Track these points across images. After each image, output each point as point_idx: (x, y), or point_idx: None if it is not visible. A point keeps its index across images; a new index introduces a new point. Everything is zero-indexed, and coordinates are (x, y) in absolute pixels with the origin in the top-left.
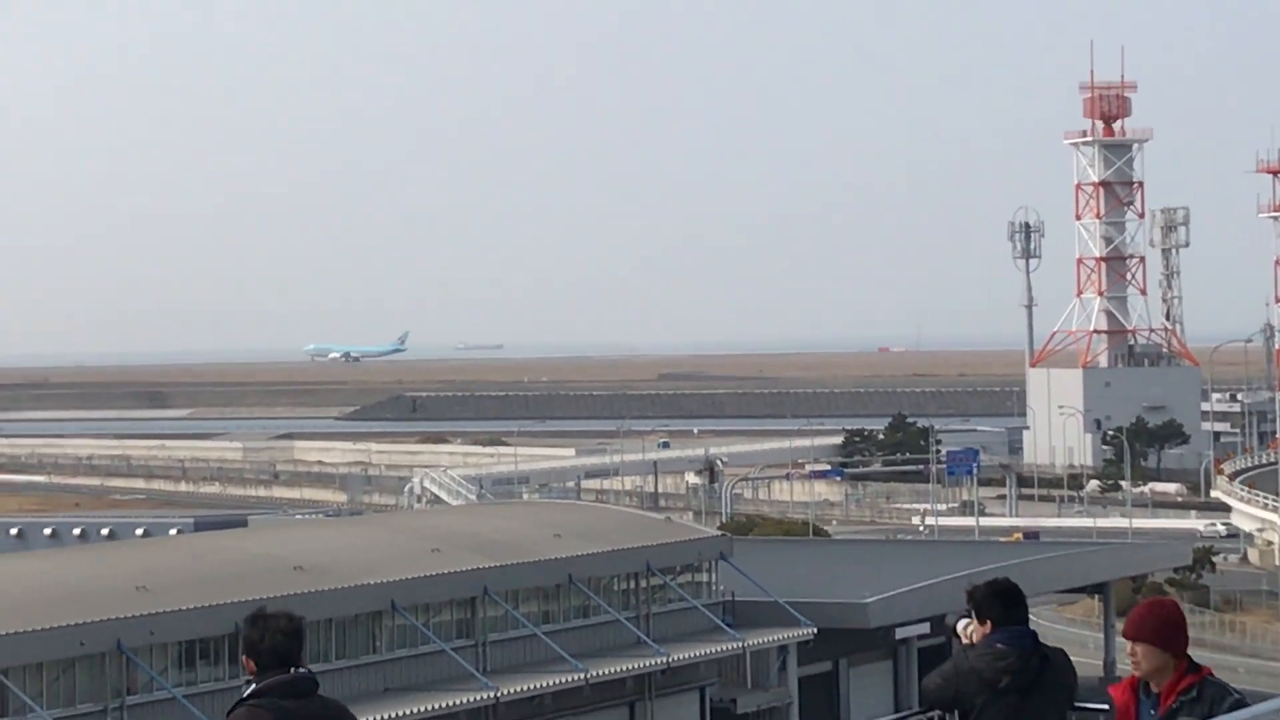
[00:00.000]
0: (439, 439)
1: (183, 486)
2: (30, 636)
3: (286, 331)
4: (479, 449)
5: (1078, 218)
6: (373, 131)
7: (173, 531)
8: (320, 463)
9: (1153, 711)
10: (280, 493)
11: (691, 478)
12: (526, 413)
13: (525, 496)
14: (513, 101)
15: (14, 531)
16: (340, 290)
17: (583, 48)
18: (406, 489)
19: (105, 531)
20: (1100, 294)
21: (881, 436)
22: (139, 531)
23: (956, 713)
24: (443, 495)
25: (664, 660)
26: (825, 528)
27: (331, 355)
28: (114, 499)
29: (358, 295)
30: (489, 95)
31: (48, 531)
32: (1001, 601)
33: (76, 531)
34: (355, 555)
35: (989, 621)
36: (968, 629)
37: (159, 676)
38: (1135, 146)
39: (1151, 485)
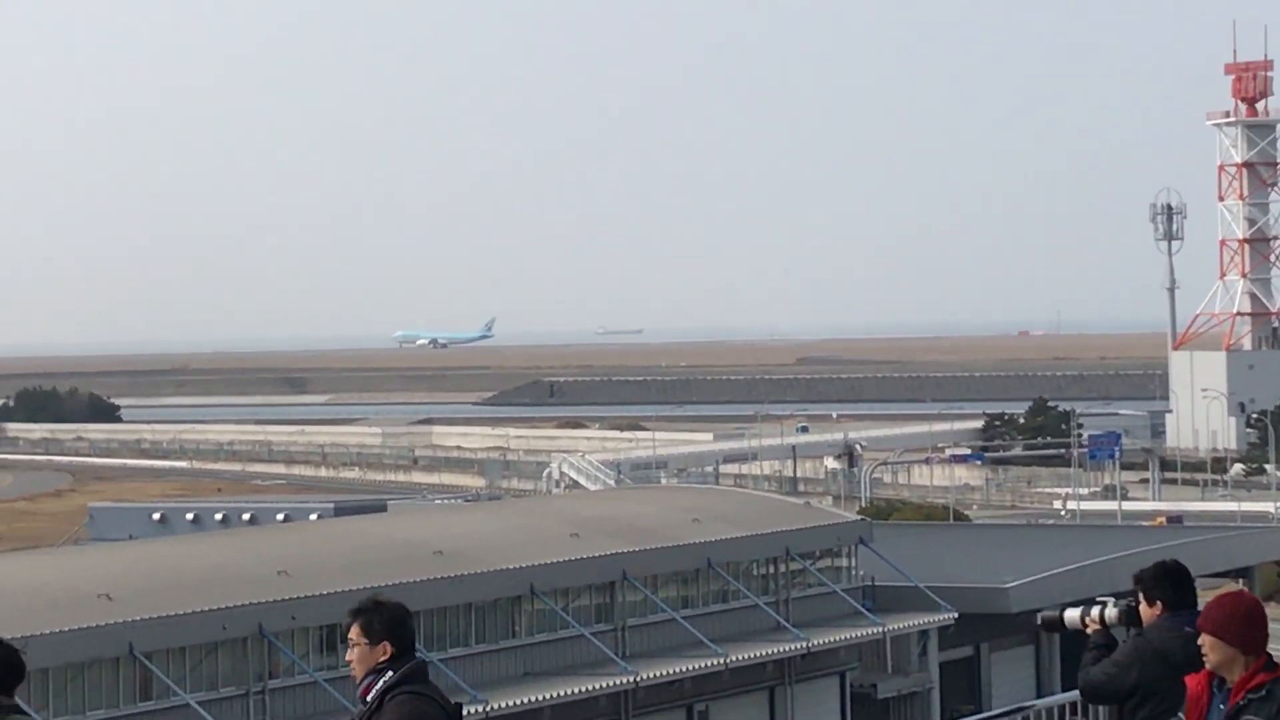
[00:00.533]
0: (577, 424)
1: (323, 472)
2: (173, 620)
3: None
4: (617, 434)
5: (1220, 199)
6: (525, 127)
7: (313, 516)
8: (459, 448)
9: (1222, 706)
10: (419, 478)
11: (830, 462)
12: (664, 397)
13: (663, 481)
14: (657, 91)
15: (157, 517)
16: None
17: (732, 38)
18: (545, 474)
19: (246, 516)
20: (1244, 276)
21: (1022, 420)
22: (280, 516)
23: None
24: (581, 480)
25: (804, 645)
26: (965, 512)
27: (419, 341)
28: (255, 484)
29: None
30: (633, 88)
31: (190, 517)
32: (1172, 583)
33: (218, 517)
34: (494, 540)
35: (1159, 603)
36: (1096, 614)
37: (300, 660)
38: (1279, 127)
39: None
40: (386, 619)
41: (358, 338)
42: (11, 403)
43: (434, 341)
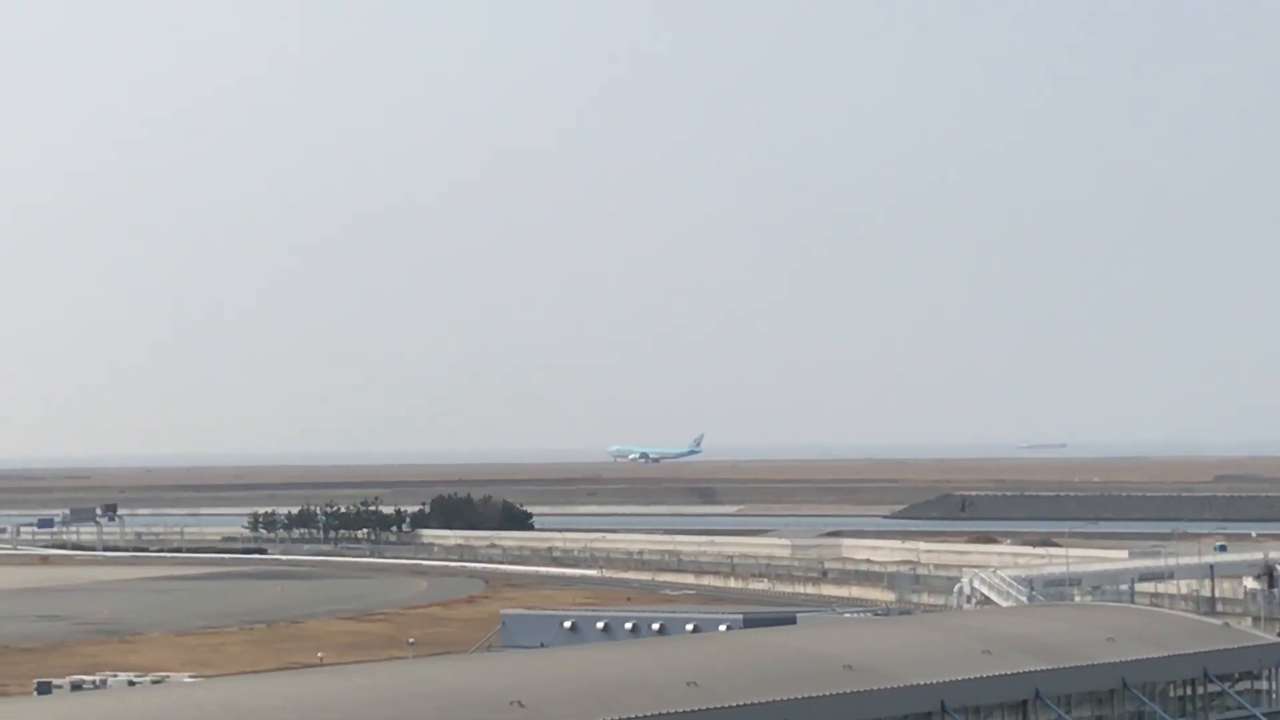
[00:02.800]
0: (988, 539)
1: (731, 582)
2: None
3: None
4: (1029, 549)
5: None
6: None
7: (722, 627)
8: (869, 561)
9: None
10: (828, 590)
11: (1249, 582)
12: (1079, 513)
13: (1077, 599)
14: (1078, 212)
15: (568, 625)
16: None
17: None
18: (956, 589)
19: (656, 626)
20: None
21: None
22: (689, 627)
23: None
24: (992, 596)
25: None
26: None
27: (631, 456)
28: (664, 594)
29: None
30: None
31: (600, 625)
32: None
33: (628, 626)
34: (905, 655)
35: None
36: None
37: None
38: None
39: None
40: None
41: (764, 448)
42: (427, 509)
43: (645, 456)
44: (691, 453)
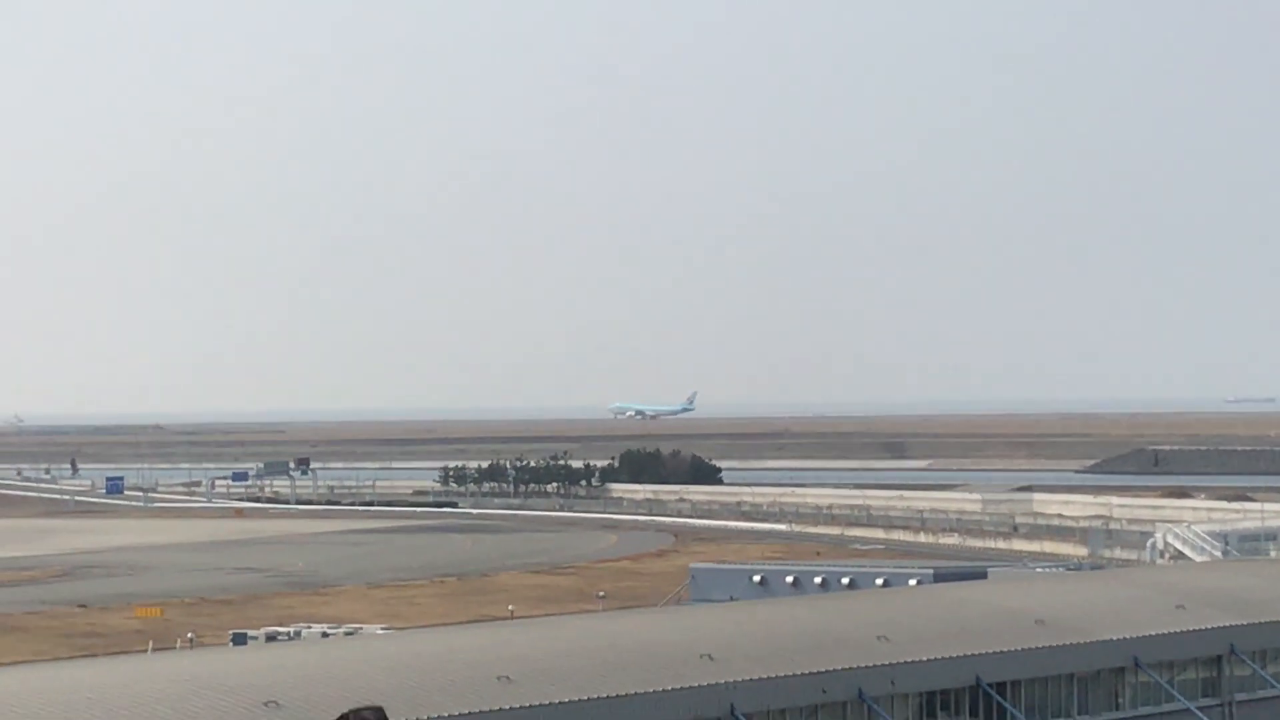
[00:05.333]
0: (1181, 493)
1: (921, 537)
2: (775, 682)
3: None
4: (1223, 504)
5: None
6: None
7: (912, 582)
8: (1060, 515)
9: None
10: (1019, 545)
11: None
12: (1275, 468)
13: (1273, 554)
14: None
15: (757, 579)
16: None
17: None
18: (1148, 544)
19: (845, 580)
20: None
21: None
22: (879, 581)
23: None
24: (1186, 551)
25: None
26: None
27: (628, 413)
28: (853, 548)
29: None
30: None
31: (789, 579)
32: None
33: (817, 580)
34: (1097, 609)
35: None
36: None
37: None
38: None
39: None
40: None
41: (955, 402)
42: (616, 463)
43: (640, 413)
44: (685, 410)
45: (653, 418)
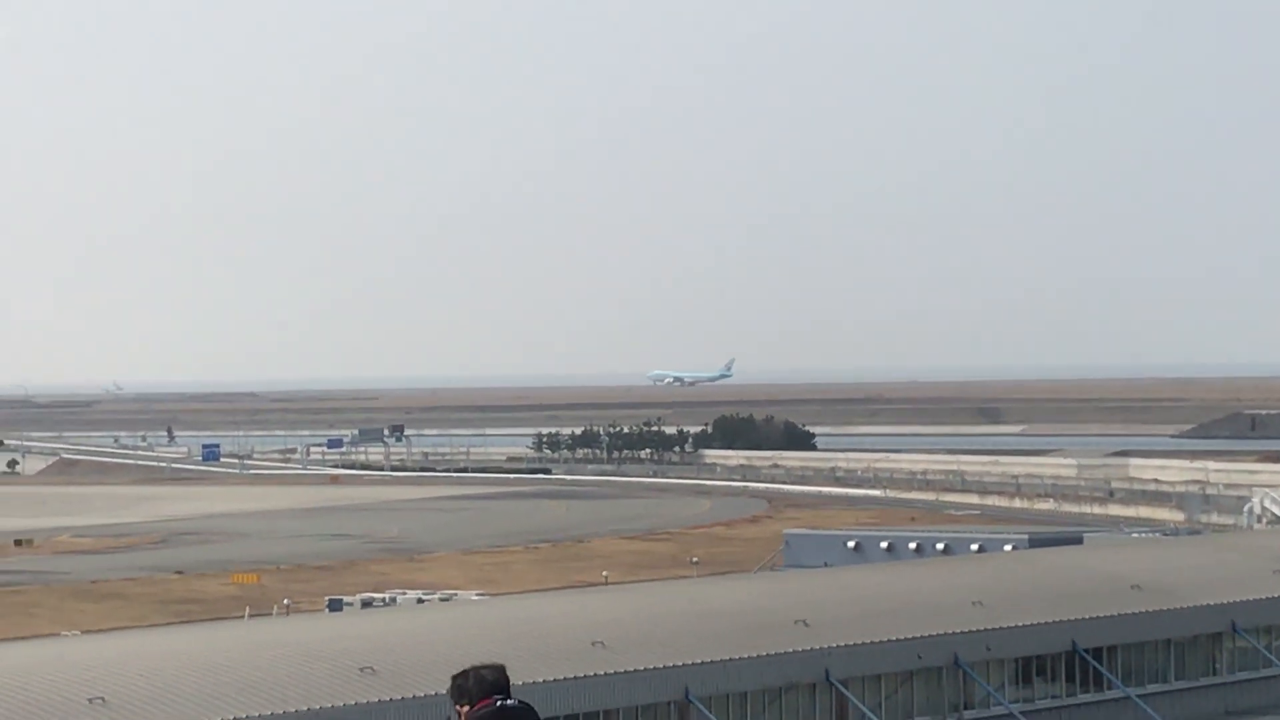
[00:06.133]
0: (1279, 458)
1: (1016, 503)
2: (870, 648)
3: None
4: None
5: None
6: None
7: (1007, 548)
8: (1156, 480)
9: None
10: (1115, 510)
11: None
12: None
13: None
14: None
15: (851, 544)
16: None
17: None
18: (1246, 509)
19: (940, 546)
20: None
21: None
22: (974, 547)
23: None
24: None
25: None
26: None
27: (667, 380)
28: (948, 514)
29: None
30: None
31: (884, 545)
32: None
33: (912, 546)
34: (1194, 575)
35: None
36: None
37: (996, 692)
38: None
39: None
40: (451, 690)
41: (1053, 367)
42: (710, 429)
43: (680, 380)
44: (723, 376)
45: (691, 384)
